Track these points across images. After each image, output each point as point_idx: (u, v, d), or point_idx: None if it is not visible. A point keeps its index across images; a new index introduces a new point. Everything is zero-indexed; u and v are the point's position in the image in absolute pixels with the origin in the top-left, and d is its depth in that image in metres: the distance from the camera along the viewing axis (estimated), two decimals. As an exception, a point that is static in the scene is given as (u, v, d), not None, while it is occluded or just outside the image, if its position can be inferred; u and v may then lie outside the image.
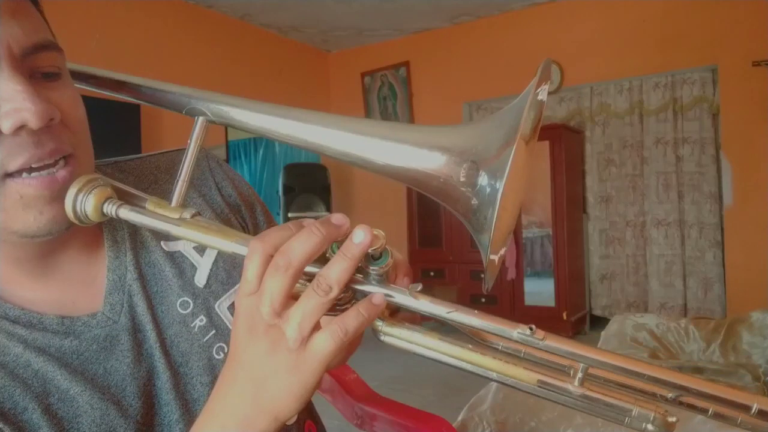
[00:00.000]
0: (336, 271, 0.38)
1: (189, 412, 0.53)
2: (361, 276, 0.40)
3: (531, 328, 0.37)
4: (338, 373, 1.02)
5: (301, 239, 0.38)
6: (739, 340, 2.34)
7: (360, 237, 0.38)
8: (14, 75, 0.42)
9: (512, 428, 1.67)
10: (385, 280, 0.40)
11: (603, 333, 2.63)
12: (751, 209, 3.62)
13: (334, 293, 0.38)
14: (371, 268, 0.39)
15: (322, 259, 0.39)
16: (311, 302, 0.38)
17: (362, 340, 0.44)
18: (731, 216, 3.75)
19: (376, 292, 0.40)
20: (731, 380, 2.01)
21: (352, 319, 0.39)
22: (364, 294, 0.40)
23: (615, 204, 4.20)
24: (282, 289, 0.37)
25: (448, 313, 0.39)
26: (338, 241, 0.39)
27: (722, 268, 3.83)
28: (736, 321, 2.45)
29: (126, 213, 0.45)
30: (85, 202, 0.44)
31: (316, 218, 0.40)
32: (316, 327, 0.38)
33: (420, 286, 0.40)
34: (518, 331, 0.37)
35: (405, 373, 3.29)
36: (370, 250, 0.38)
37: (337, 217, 0.40)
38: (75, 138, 0.48)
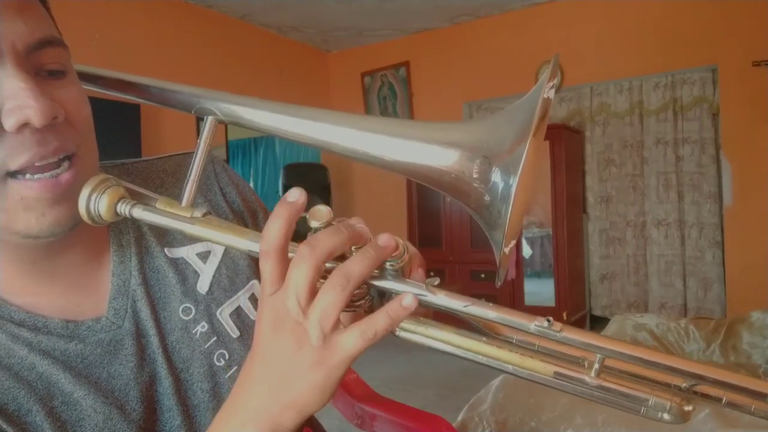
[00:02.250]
0: (356, 268, 0.38)
1: (189, 418, 0.54)
2: (377, 271, 0.39)
3: (548, 320, 0.37)
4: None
5: (328, 232, 0.38)
6: (739, 340, 2.35)
7: (385, 241, 0.38)
8: (18, 72, 0.42)
9: (512, 428, 1.67)
10: (401, 274, 0.40)
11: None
12: (751, 209, 3.62)
13: (351, 289, 0.38)
14: (388, 263, 0.39)
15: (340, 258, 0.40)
16: (329, 298, 0.37)
17: None
18: (731, 216, 3.75)
19: (393, 288, 0.39)
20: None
21: (382, 319, 0.38)
22: (379, 289, 0.40)
23: (615, 204, 4.20)
24: (306, 279, 0.37)
25: (465, 307, 0.38)
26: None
27: (722, 268, 3.83)
28: (736, 321, 2.45)
29: (139, 212, 0.44)
30: (99, 202, 0.43)
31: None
32: (337, 322, 0.38)
33: (437, 281, 0.39)
34: (536, 324, 0.37)
35: (405, 373, 3.29)
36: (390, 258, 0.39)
37: (357, 221, 0.41)
38: (79, 137, 0.47)
